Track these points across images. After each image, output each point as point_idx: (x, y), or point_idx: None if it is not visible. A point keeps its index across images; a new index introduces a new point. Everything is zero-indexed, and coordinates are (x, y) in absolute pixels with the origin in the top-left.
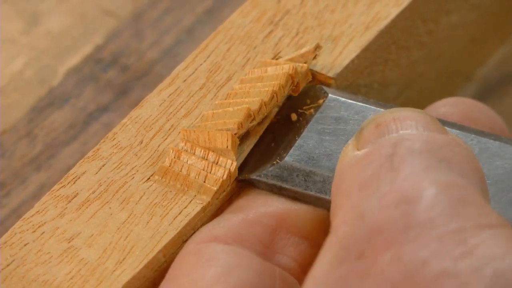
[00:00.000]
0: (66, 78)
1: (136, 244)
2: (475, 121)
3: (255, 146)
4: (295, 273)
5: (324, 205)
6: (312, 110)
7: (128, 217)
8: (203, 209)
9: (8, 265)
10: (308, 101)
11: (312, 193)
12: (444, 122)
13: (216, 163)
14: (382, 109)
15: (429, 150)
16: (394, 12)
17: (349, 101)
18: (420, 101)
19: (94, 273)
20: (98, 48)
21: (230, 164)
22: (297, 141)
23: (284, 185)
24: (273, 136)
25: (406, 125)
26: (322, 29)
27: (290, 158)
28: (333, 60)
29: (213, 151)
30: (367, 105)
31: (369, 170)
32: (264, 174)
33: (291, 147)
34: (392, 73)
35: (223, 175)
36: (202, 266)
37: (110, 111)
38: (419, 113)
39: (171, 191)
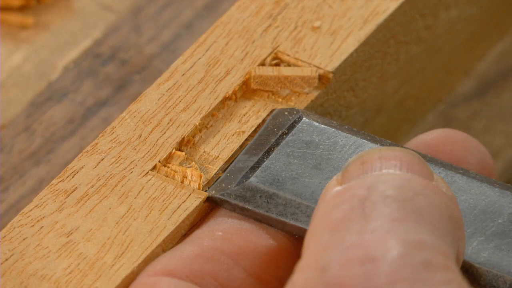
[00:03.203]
0: (64, 73)
1: (134, 238)
2: (462, 156)
3: (227, 162)
4: None
5: (285, 228)
6: (284, 131)
7: (127, 211)
8: (202, 203)
9: (6, 260)
10: (282, 122)
11: (273, 215)
12: (431, 159)
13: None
14: (354, 136)
15: (402, 199)
16: (392, 6)
17: (322, 125)
18: (419, 96)
19: (93, 267)
20: (97, 42)
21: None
22: (265, 163)
23: (246, 205)
24: (246, 153)
25: (390, 165)
26: (321, 23)
27: (256, 179)
28: (332, 54)
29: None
30: (340, 131)
31: (341, 211)
32: (228, 193)
33: (258, 168)
34: (390, 67)
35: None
36: None
37: (109, 105)
38: (406, 153)
39: (170, 185)
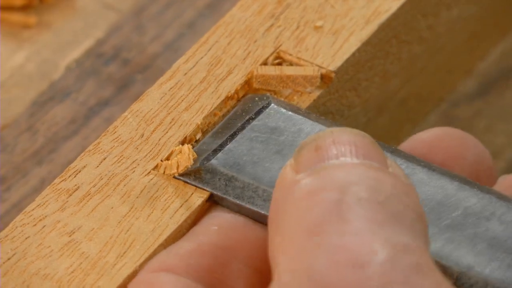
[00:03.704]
0: (67, 72)
1: (137, 237)
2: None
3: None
4: None
5: (241, 211)
6: (251, 116)
7: (129, 210)
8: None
9: (9, 259)
10: (251, 107)
11: (230, 198)
12: (382, 146)
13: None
14: (321, 125)
15: (377, 202)
16: (394, 6)
17: (289, 112)
18: (420, 96)
19: (95, 266)
20: (99, 42)
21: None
22: (228, 146)
23: (205, 187)
24: (212, 136)
25: (346, 151)
26: (323, 22)
27: (216, 161)
28: (334, 54)
29: None
30: (306, 119)
31: (315, 214)
32: (187, 174)
33: (220, 150)
34: (393, 67)
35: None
36: None
37: (111, 105)
38: (359, 136)
39: (172, 185)
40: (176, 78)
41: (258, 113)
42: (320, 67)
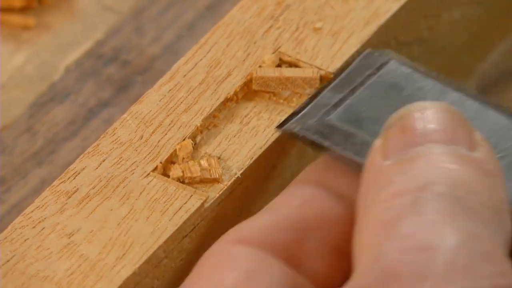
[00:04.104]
0: (66, 74)
1: (136, 239)
2: None
3: (310, 98)
4: (319, 285)
5: (358, 169)
6: (373, 71)
7: (128, 212)
8: (203, 204)
9: (8, 261)
10: (371, 62)
11: (350, 154)
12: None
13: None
14: (440, 84)
15: (455, 197)
16: (394, 7)
17: (410, 70)
18: None
19: (94, 268)
20: (99, 43)
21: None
22: (347, 101)
23: (323, 142)
24: (331, 90)
25: (434, 138)
26: (322, 24)
27: (336, 116)
28: (333, 55)
29: None
30: (426, 77)
31: (393, 212)
32: (306, 128)
33: (340, 105)
34: None
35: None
36: (223, 270)
37: (111, 106)
38: (445, 113)
39: (171, 187)
40: (175, 80)
41: (379, 69)
42: (320, 68)
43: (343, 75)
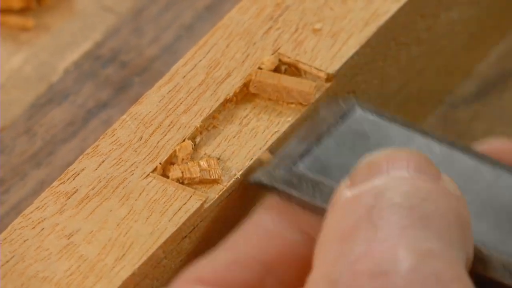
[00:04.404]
0: (65, 75)
1: (135, 240)
2: None
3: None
4: None
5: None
6: (337, 120)
7: (128, 213)
8: (203, 205)
9: (7, 261)
10: (335, 110)
11: (318, 203)
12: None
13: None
14: (405, 129)
15: (409, 206)
16: (393, 8)
17: (375, 117)
18: (419, 97)
19: (94, 269)
20: (98, 44)
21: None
22: (315, 150)
23: (292, 191)
24: (298, 139)
25: (398, 166)
26: (322, 25)
27: (303, 165)
28: (332, 56)
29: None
30: (392, 124)
31: (349, 221)
32: (274, 179)
33: (307, 155)
34: (391, 69)
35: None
36: None
37: (110, 107)
38: (414, 154)
39: (170, 187)
40: (174, 81)
41: (344, 117)
42: (319, 69)
43: (308, 124)
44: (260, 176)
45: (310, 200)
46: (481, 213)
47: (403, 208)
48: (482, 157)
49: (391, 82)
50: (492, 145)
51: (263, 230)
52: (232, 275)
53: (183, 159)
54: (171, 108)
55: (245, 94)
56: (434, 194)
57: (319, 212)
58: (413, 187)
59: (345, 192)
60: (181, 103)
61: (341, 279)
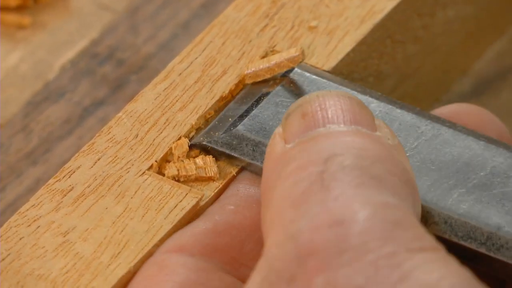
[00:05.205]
0: (61, 73)
1: (131, 238)
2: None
3: (218, 112)
4: None
5: None
6: (276, 81)
7: (123, 211)
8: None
9: (3, 259)
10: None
11: (258, 163)
12: (408, 108)
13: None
14: (344, 88)
15: (360, 167)
16: (389, 5)
17: (313, 76)
18: (416, 96)
19: (89, 267)
20: (94, 42)
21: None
22: (253, 111)
23: (232, 153)
24: (236, 102)
25: (333, 118)
26: (318, 22)
27: (243, 127)
28: (328, 54)
29: None
30: (331, 82)
31: (300, 188)
32: (215, 140)
33: (246, 116)
34: (387, 67)
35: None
36: (160, 281)
37: (106, 105)
38: (345, 98)
39: (166, 185)
40: (170, 79)
41: (282, 78)
42: (315, 67)
43: (247, 87)
44: (200, 138)
45: (251, 160)
46: (421, 169)
47: (354, 169)
48: (422, 114)
49: (387, 80)
50: (448, 109)
51: (238, 197)
52: (212, 241)
53: (178, 157)
54: (167, 106)
55: (241, 90)
56: (380, 154)
57: (260, 172)
58: (362, 150)
59: (282, 147)
60: (177, 101)
61: (300, 233)
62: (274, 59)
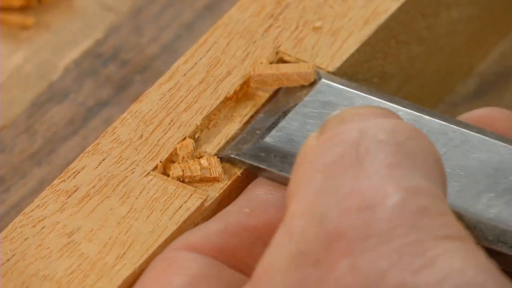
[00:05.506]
0: (65, 73)
1: (136, 238)
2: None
3: (246, 124)
4: None
5: None
6: (303, 92)
7: (128, 211)
8: (203, 203)
9: (8, 260)
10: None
11: (287, 175)
12: (434, 114)
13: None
14: (371, 97)
15: (395, 143)
16: (394, 6)
17: (340, 86)
18: (420, 96)
19: (94, 267)
20: (98, 43)
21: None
22: (281, 123)
23: (261, 165)
24: (264, 114)
25: (369, 118)
26: (322, 23)
27: (271, 139)
28: (333, 54)
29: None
30: (357, 92)
31: (332, 155)
32: (243, 153)
33: (273, 128)
34: (391, 67)
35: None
36: (171, 274)
37: (110, 106)
38: (381, 109)
39: (171, 186)
40: (175, 79)
41: (309, 89)
42: (319, 67)
43: (274, 99)
44: (228, 151)
45: (280, 172)
46: (450, 175)
47: (389, 145)
48: (449, 120)
49: (391, 81)
50: (477, 113)
51: (254, 200)
52: (222, 242)
53: (183, 157)
54: (171, 106)
55: (246, 92)
56: (415, 133)
57: (287, 183)
58: (396, 125)
59: (315, 141)
60: (181, 101)
61: (329, 215)
62: (284, 68)
